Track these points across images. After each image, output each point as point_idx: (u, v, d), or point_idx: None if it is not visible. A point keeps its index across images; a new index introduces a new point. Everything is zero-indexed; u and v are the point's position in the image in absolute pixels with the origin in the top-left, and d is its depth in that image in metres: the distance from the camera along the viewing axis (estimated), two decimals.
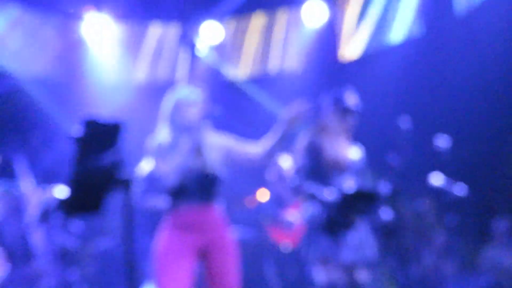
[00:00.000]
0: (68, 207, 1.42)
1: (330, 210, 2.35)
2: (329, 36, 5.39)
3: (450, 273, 3.79)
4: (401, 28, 5.05)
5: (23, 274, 3.28)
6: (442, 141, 3.18)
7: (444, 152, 3.12)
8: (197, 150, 2.34)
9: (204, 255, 2.36)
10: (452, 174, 3.30)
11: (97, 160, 1.36)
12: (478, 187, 4.04)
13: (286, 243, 3.77)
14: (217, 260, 2.33)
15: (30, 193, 3.37)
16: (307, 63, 5.40)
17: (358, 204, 2.28)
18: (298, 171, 2.56)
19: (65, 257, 3.61)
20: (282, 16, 5.50)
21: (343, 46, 5.41)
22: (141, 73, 5.45)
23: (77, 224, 3.88)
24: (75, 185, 1.38)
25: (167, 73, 5.47)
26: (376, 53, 5.21)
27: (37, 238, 3.45)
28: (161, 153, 2.33)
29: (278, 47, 5.50)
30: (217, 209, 2.43)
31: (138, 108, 4.79)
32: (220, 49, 5.45)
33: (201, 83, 4.92)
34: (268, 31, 5.49)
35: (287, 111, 2.22)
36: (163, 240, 2.36)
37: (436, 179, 3.30)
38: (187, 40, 5.23)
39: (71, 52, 5.15)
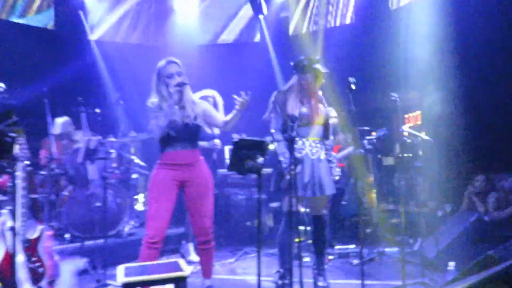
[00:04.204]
0: None
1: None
2: None
3: None
4: None
5: (81, 195, 4.95)
6: None
7: None
8: (181, 107, 3.37)
9: (185, 186, 3.43)
10: None
11: None
12: None
13: None
14: (194, 190, 3.40)
15: (82, 139, 5.11)
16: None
17: (243, 149, 2.90)
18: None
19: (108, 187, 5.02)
20: None
21: None
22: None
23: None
24: None
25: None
26: None
27: (91, 171, 5.16)
28: (153, 113, 3.36)
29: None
30: (196, 151, 3.48)
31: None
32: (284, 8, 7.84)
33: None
34: None
35: (238, 101, 3.34)
36: (155, 174, 3.41)
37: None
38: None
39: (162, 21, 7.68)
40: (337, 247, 5.53)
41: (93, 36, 7.33)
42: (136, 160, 6.12)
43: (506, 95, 6.34)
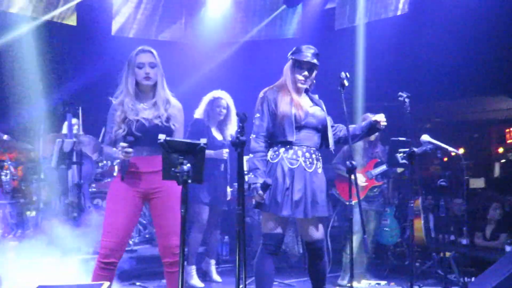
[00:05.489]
0: None
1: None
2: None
3: None
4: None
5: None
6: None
7: None
8: (152, 104, 3.19)
9: (150, 198, 3.19)
10: None
11: None
12: None
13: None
14: (161, 203, 3.14)
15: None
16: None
17: (173, 153, 2.54)
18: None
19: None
20: None
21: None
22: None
23: None
24: None
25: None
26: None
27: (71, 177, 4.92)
28: (113, 109, 3.20)
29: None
30: None
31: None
32: None
33: None
34: None
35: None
36: (113, 184, 3.26)
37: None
38: None
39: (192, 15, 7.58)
40: (365, 281, 4.96)
41: (117, 33, 7.36)
42: None
43: None
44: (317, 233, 3.44)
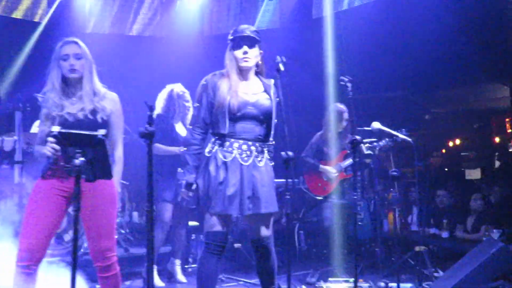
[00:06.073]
0: None
1: None
2: None
3: None
4: None
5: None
6: None
7: None
8: (78, 98, 3.03)
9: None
10: None
11: None
12: None
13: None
14: (88, 203, 2.89)
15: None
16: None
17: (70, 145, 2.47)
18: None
19: None
20: None
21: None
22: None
23: None
24: None
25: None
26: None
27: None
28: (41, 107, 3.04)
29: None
30: None
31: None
32: None
33: None
34: None
35: None
36: (36, 183, 3.05)
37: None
38: None
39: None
40: (333, 278, 4.82)
41: (88, 29, 7.28)
42: None
43: None
44: (263, 230, 3.26)
